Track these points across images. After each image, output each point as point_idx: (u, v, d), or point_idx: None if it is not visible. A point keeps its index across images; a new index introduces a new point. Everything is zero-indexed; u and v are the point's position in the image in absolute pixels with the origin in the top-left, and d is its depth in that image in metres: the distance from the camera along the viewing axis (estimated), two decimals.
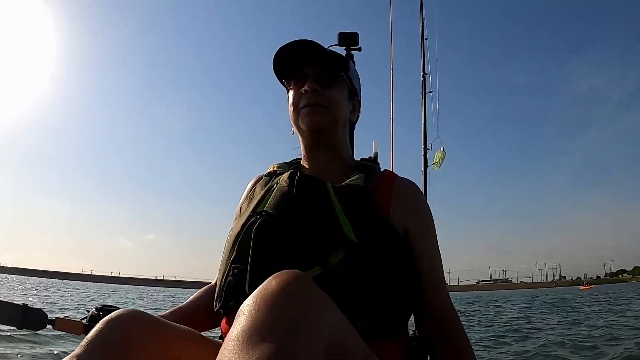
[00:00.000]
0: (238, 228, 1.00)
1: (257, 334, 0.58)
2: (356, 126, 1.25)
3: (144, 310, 0.89)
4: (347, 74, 1.14)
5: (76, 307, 10.46)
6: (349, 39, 1.19)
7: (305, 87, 1.07)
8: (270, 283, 0.65)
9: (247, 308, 0.62)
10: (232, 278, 0.94)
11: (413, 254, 1.03)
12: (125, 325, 0.82)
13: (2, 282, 30.04)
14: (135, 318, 0.84)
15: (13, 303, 1.03)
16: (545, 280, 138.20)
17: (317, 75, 1.09)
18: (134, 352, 0.80)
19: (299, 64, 1.10)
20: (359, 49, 1.24)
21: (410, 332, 1.09)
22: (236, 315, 0.63)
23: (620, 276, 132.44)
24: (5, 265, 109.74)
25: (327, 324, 0.64)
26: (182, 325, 0.92)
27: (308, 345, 0.58)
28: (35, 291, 19.73)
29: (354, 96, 1.18)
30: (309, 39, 1.09)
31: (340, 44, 1.18)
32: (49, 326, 1.08)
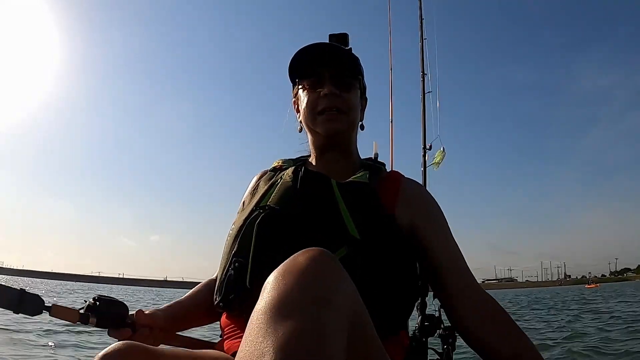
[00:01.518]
0: (240, 222, 1.00)
1: (284, 308, 0.57)
2: (363, 124, 1.23)
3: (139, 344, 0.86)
4: (361, 75, 1.14)
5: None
6: (340, 40, 1.17)
7: (325, 91, 1.07)
8: (297, 258, 0.64)
9: (273, 282, 0.62)
10: (233, 271, 0.94)
11: (428, 252, 1.03)
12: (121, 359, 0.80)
13: (38, 286, 29.30)
14: (130, 351, 0.82)
15: (11, 287, 1.01)
16: (550, 279, 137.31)
17: (334, 78, 1.09)
18: None
19: (315, 64, 1.10)
20: (349, 50, 1.25)
21: (410, 333, 1.10)
22: (262, 289, 0.63)
23: (625, 274, 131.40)
24: (14, 267, 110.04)
25: (350, 298, 0.64)
26: (178, 349, 0.89)
27: (334, 319, 0.58)
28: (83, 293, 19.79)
29: (363, 95, 1.19)
30: (325, 41, 1.09)
31: None
32: (45, 312, 1.06)
